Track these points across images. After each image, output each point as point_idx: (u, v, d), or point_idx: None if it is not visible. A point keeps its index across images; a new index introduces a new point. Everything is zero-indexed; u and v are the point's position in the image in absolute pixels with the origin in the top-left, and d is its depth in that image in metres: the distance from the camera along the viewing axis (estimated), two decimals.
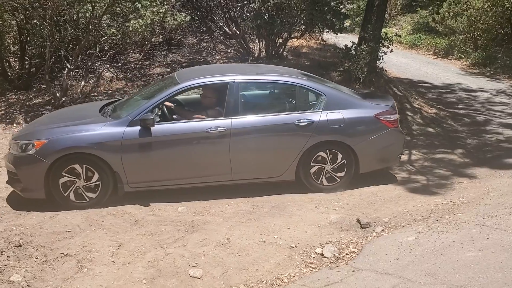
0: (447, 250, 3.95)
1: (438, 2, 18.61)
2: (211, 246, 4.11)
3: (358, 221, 4.66)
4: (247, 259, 3.94)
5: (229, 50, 11.82)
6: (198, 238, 4.26)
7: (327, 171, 5.45)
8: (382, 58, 9.40)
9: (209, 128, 5.12)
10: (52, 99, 8.64)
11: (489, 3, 15.22)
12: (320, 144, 5.37)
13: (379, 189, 5.55)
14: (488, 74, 14.04)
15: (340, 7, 10.21)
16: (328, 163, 5.43)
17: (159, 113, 5.37)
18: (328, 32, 10.79)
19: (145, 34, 9.23)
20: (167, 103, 5.53)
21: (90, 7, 8.09)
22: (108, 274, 3.67)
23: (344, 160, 5.45)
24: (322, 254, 4.06)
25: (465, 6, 16.06)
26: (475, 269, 3.61)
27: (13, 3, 8.05)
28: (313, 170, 5.42)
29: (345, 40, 11.47)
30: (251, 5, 10.08)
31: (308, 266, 3.89)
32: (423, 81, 12.86)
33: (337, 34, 10.23)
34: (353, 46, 9.49)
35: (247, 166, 5.29)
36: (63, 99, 8.65)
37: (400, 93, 9.61)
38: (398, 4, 22.77)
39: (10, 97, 8.89)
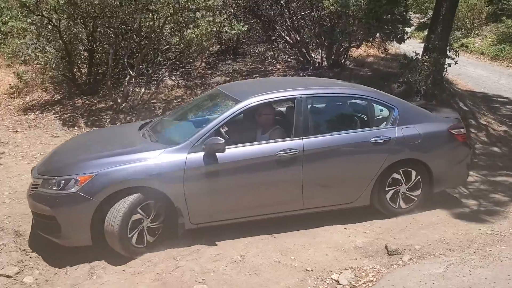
0: None
1: None
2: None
3: (386, 247, 4.36)
4: (256, 280, 3.82)
5: (289, 60, 11.72)
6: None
7: (402, 193, 5.05)
8: (446, 70, 8.82)
9: (281, 151, 4.55)
10: (114, 105, 9.05)
11: None
12: (397, 164, 4.93)
13: (419, 213, 5.15)
14: None
15: (407, 14, 9.71)
16: (403, 184, 5.03)
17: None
18: (391, 41, 10.35)
19: (203, 43, 9.42)
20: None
21: (151, 15, 8.40)
22: None
23: (420, 179, 5.04)
24: (337, 281, 3.84)
25: None
26: None
27: (81, 12, 8.51)
28: (389, 193, 5.00)
29: (418, 48, 10.84)
30: (312, 13, 9.92)
31: None
32: (499, 95, 11.90)
33: (400, 43, 9.76)
34: (415, 57, 8.99)
35: (320, 192, 4.79)
36: (123, 105, 9.03)
37: (466, 108, 8.96)
38: (483, 13, 21.30)
39: (76, 101, 9.42)
